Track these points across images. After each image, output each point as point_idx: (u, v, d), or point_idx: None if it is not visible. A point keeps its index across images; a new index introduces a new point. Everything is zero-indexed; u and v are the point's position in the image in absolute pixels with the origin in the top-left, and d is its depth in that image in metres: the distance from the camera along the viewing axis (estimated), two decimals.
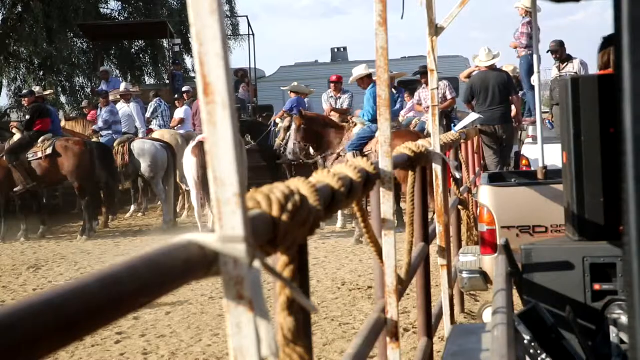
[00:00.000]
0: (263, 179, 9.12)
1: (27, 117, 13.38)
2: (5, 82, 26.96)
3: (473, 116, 10.52)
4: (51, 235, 13.33)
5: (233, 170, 1.24)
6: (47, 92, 16.36)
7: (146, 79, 28.44)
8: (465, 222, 7.24)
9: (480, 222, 5.55)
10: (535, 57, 6.68)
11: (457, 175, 6.31)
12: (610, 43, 4.70)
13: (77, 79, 27.28)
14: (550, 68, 12.87)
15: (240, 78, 19.93)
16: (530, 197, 5.40)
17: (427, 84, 10.20)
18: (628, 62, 1.27)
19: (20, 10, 25.48)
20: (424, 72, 12.29)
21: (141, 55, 28.78)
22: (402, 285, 3.31)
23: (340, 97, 12.92)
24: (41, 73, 26.69)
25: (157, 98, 16.66)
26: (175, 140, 14.61)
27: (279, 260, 1.65)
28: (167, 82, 21.48)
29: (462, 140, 8.22)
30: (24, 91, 15.50)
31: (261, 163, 14.93)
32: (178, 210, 14.54)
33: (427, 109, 11.16)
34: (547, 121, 11.28)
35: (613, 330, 3.52)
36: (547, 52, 12.22)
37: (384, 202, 3.15)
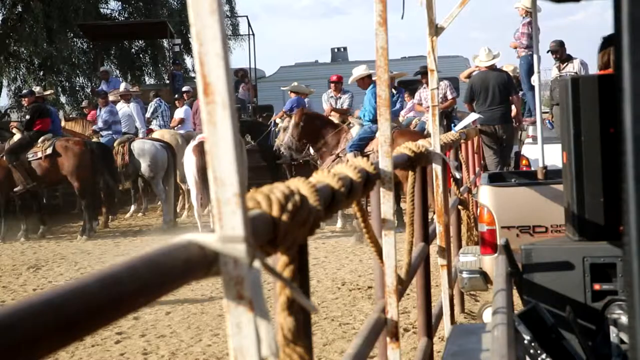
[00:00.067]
0: (263, 179, 9.11)
1: (27, 117, 13.37)
2: (5, 82, 26.97)
3: (473, 116, 10.52)
4: (51, 235, 13.33)
5: (233, 170, 1.24)
6: (47, 92, 16.36)
7: (146, 79, 28.46)
8: (465, 222, 7.24)
9: (480, 222, 5.55)
10: (535, 57, 6.68)
11: (457, 175, 6.31)
12: (610, 43, 4.70)
13: (77, 79, 27.29)
14: (550, 68, 12.88)
15: (240, 78, 19.94)
16: (530, 197, 5.40)
17: (427, 84, 10.21)
18: (628, 62, 1.27)
19: (20, 10, 25.49)
20: (424, 72, 12.30)
21: (141, 55, 28.78)
22: (402, 285, 3.31)
23: (340, 97, 12.92)
24: (41, 73, 26.70)
25: (157, 98, 16.66)
26: (175, 140, 14.61)
27: (279, 260, 1.65)
28: (167, 82, 21.49)
29: (462, 140, 8.22)
30: (24, 91, 15.48)
31: (261, 163, 14.93)
32: (178, 210, 14.54)
33: (427, 109, 11.16)
34: (547, 121, 11.28)
35: (613, 330, 3.52)
36: (547, 52, 12.23)
37: (384, 202, 3.15)
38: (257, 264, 1.29)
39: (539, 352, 3.27)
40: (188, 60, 26.70)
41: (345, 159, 10.68)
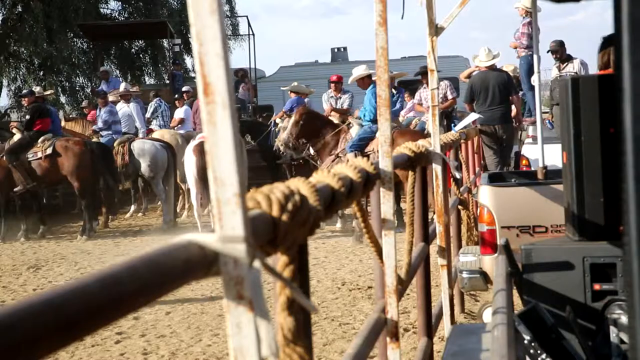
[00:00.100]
0: (263, 179, 9.10)
1: (27, 117, 13.37)
2: (5, 82, 26.97)
3: (473, 116, 10.52)
4: (51, 235, 13.33)
5: (233, 170, 1.24)
6: (47, 92, 16.36)
7: (146, 79, 28.46)
8: (465, 222, 7.24)
9: (480, 222, 5.55)
10: (535, 57, 6.68)
11: (457, 175, 6.31)
12: (610, 43, 4.70)
13: (77, 79, 27.29)
14: (550, 68, 12.88)
15: (240, 78, 19.94)
16: (530, 197, 5.40)
17: (427, 84, 10.20)
18: (628, 62, 1.27)
19: (20, 10, 25.49)
20: (424, 72, 12.30)
21: (141, 55, 28.78)
22: (402, 285, 3.31)
23: (340, 97, 12.91)
24: (41, 73, 26.70)
25: (157, 98, 16.66)
26: (175, 140, 14.61)
27: (279, 260, 1.65)
28: (167, 82, 21.49)
29: (462, 140, 8.22)
30: (24, 91, 15.49)
31: (261, 163, 14.94)
32: (178, 210, 14.54)
33: (428, 109, 11.16)
34: (547, 121, 11.28)
35: (613, 330, 3.52)
36: (547, 52, 12.23)
37: (384, 202, 3.15)
38: (257, 264, 1.29)
39: (539, 352, 3.27)
40: (188, 60, 26.73)
41: (345, 159, 10.67)
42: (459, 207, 7.05)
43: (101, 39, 22.96)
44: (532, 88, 11.70)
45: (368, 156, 9.83)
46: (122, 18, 27.42)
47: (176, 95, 16.76)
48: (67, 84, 26.98)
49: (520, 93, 12.58)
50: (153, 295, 1.15)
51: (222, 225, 1.25)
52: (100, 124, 14.42)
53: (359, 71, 11.54)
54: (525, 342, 3.27)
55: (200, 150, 10.58)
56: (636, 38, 1.27)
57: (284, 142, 11.59)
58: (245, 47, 26.01)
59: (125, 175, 13.91)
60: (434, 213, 5.36)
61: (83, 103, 20.37)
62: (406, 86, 15.31)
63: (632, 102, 1.27)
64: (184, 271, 1.20)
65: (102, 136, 14.26)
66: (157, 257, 1.15)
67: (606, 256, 3.70)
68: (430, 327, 4.34)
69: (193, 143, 11.68)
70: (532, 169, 8.02)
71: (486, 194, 5.51)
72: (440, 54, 5.55)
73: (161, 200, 13.80)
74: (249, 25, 21.20)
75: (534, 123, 9.57)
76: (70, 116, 20.65)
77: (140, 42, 27.97)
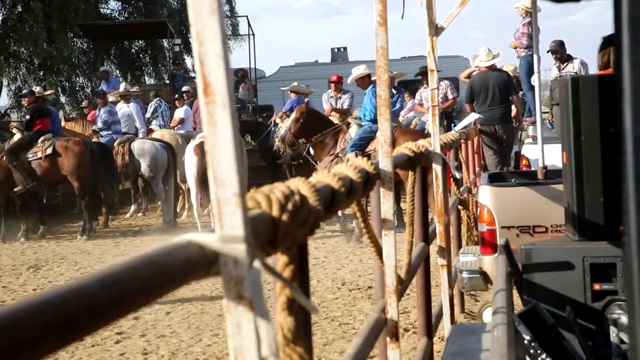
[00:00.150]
0: (263, 179, 9.10)
1: (27, 117, 13.37)
2: (5, 82, 26.97)
3: (473, 116, 10.52)
4: (51, 235, 13.33)
5: (233, 170, 1.24)
6: (47, 92, 16.36)
7: (146, 79, 28.47)
8: (465, 222, 7.24)
9: (480, 222, 5.54)
10: (535, 57, 6.68)
11: (457, 175, 6.31)
12: (610, 43, 4.70)
13: (77, 79, 27.28)
14: (550, 68, 12.88)
15: (240, 78, 19.94)
16: (530, 197, 5.40)
17: (428, 85, 10.20)
18: (628, 62, 1.27)
19: (20, 10, 25.49)
20: (424, 72, 12.29)
21: (141, 55, 28.79)
22: (402, 285, 3.31)
23: (340, 97, 12.91)
24: (41, 73, 26.70)
25: (157, 98, 16.67)
26: (175, 140, 14.62)
27: (279, 260, 1.65)
28: (167, 82, 21.50)
29: (462, 140, 8.22)
30: (24, 91, 15.49)
31: (261, 163, 14.94)
32: (178, 210, 14.54)
33: (429, 109, 11.15)
34: (547, 121, 11.28)
35: (613, 330, 3.52)
36: (547, 52, 12.23)
37: (384, 202, 3.15)
38: (257, 264, 1.29)
39: (539, 352, 3.27)
40: (188, 60, 26.73)
41: (345, 158, 10.66)
42: (459, 207, 7.05)
43: (101, 39, 22.97)
44: (532, 88, 11.71)
45: (369, 156, 9.81)
46: (122, 18, 27.43)
47: (176, 95, 16.77)
48: (67, 84, 26.98)
49: (520, 93, 12.58)
50: (153, 295, 1.15)
51: (222, 225, 1.25)
52: (99, 124, 14.42)
53: (358, 71, 11.53)
54: (525, 342, 3.27)
55: (201, 150, 10.56)
56: (636, 38, 1.27)
57: (281, 137, 11.55)
58: (245, 47, 26.02)
59: (125, 175, 13.91)
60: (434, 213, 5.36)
61: (83, 103, 20.37)
62: (406, 86, 15.31)
63: (632, 102, 1.27)
64: (184, 271, 1.20)
65: (102, 136, 14.27)
66: (157, 257, 1.15)
67: (606, 256, 3.70)
68: (430, 327, 4.34)
69: (193, 143, 11.68)
70: (532, 169, 8.02)
71: (486, 194, 5.50)
72: (440, 54, 5.55)
73: (161, 200, 13.81)
74: (249, 25, 21.22)
75: (534, 123, 9.57)
76: (70, 116, 20.67)
77: (140, 42, 27.98)
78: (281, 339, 1.55)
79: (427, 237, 4.52)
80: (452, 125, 11.63)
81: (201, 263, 1.23)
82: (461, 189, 7.14)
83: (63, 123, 15.61)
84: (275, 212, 1.50)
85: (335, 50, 26.43)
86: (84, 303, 0.97)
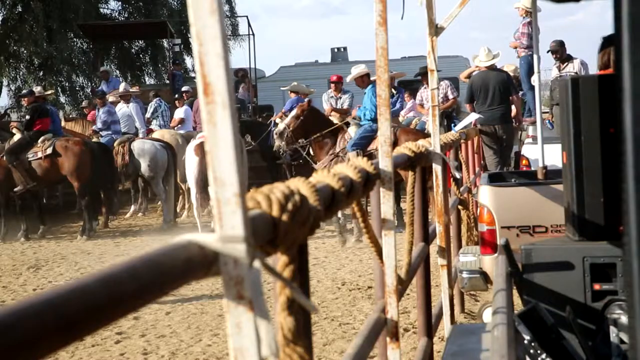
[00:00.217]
0: (263, 179, 9.08)
1: (27, 117, 13.37)
2: (5, 82, 26.97)
3: (473, 116, 10.52)
4: (51, 235, 13.33)
5: (233, 170, 1.24)
6: (48, 92, 16.36)
7: (146, 79, 28.46)
8: (465, 222, 7.24)
9: (480, 222, 5.54)
10: (535, 57, 6.68)
11: (457, 175, 6.31)
12: (610, 43, 4.71)
13: (77, 79, 27.27)
14: (550, 68, 12.87)
15: (240, 78, 19.94)
16: (530, 197, 5.39)
17: (428, 85, 10.19)
18: (628, 62, 1.27)
19: (20, 10, 25.49)
20: (424, 72, 12.28)
21: (141, 55, 28.78)
22: (402, 285, 3.31)
23: (340, 97, 12.91)
24: (41, 73, 26.68)
25: (157, 98, 16.67)
26: (175, 140, 14.62)
27: (279, 260, 1.65)
28: (167, 82, 21.49)
29: (462, 140, 8.22)
30: (24, 91, 15.49)
31: (261, 163, 14.93)
32: (178, 210, 14.54)
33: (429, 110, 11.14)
34: (547, 121, 11.28)
35: (613, 330, 3.52)
36: (547, 52, 12.23)
37: (384, 202, 3.15)
38: (257, 264, 1.29)
39: (539, 352, 3.27)
40: (188, 60, 26.73)
41: (345, 158, 10.65)
42: (459, 207, 7.05)
43: (101, 39, 22.97)
44: (532, 88, 11.70)
45: (370, 155, 9.80)
46: (122, 18, 27.43)
47: (176, 95, 16.77)
48: (67, 84, 26.97)
49: (520, 93, 12.57)
50: (153, 295, 1.15)
51: (222, 225, 1.25)
52: (99, 125, 14.43)
53: (357, 70, 11.53)
54: (525, 342, 3.27)
55: (202, 150, 10.55)
56: (636, 38, 1.27)
57: (278, 132, 11.50)
58: (245, 47, 25.96)
59: (125, 175, 13.91)
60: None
61: (83, 103, 20.35)
62: (406, 86, 15.31)
63: (632, 102, 1.27)
64: (184, 271, 1.20)
65: (102, 136, 14.27)
66: (157, 257, 1.15)
67: (606, 256, 3.70)
68: (430, 327, 4.34)
69: (193, 143, 11.68)
70: (532, 169, 8.02)
71: (486, 194, 5.50)
72: (440, 54, 5.55)
73: (161, 200, 13.81)
74: (249, 25, 21.21)
75: (534, 123, 9.56)
76: (70, 116, 20.66)
77: (140, 42, 27.98)
78: (281, 339, 1.55)
79: (427, 237, 4.52)
80: (452, 125, 11.63)
81: (201, 263, 1.23)
82: (461, 189, 7.14)
83: (63, 123, 15.61)
84: (275, 212, 1.50)
85: (335, 50, 26.43)
86: (84, 303, 0.97)
